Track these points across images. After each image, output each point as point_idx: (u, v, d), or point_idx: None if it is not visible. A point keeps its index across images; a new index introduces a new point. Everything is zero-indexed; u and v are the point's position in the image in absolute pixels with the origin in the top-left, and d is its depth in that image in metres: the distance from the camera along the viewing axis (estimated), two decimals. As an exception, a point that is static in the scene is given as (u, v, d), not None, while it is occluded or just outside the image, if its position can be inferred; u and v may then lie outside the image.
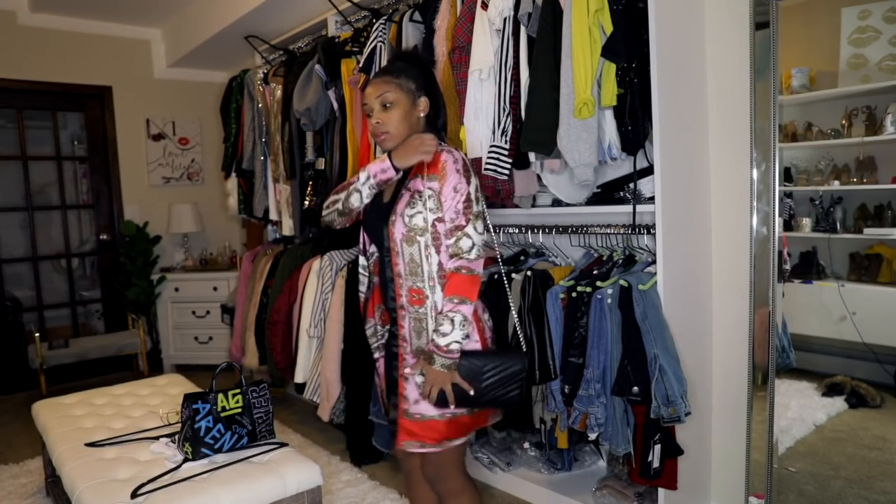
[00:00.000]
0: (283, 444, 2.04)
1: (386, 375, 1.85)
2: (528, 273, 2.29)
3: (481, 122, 2.34)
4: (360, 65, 2.86)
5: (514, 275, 2.36)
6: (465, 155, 2.39)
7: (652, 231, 2.07)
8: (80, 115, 4.78)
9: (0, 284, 4.42)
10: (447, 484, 1.75)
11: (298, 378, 3.15)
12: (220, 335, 4.64)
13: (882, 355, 2.17)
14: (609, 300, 2.04)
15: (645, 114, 2.04)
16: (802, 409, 2.30)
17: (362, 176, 1.72)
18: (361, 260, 1.86)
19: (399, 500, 2.56)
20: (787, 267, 2.23)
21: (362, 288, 1.88)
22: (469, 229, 1.62)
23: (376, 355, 1.89)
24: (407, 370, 1.68)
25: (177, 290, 4.74)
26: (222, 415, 1.95)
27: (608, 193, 2.34)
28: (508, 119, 2.25)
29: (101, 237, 4.86)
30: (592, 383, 2.06)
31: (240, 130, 3.92)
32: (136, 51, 4.89)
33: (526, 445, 2.65)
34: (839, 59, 2.19)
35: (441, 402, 1.63)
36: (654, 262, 2.11)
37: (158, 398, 2.62)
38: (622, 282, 2.04)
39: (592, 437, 2.11)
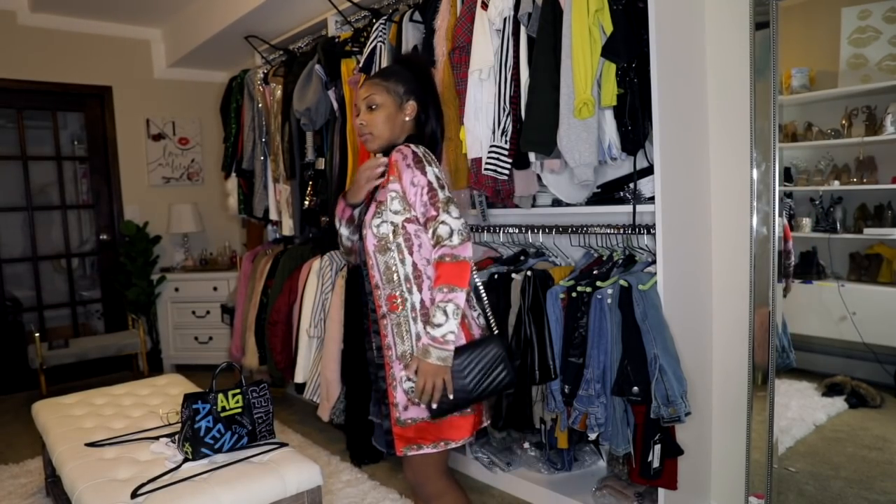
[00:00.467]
0: (283, 444, 2.04)
1: (374, 387, 1.81)
2: (528, 273, 2.29)
3: (481, 122, 2.34)
4: (360, 65, 2.86)
5: (514, 275, 2.36)
6: (461, 153, 2.39)
7: (652, 231, 2.08)
8: (80, 115, 4.78)
9: (0, 284, 4.42)
10: (427, 488, 1.72)
11: (298, 378, 3.16)
12: (220, 335, 4.64)
13: (882, 355, 2.17)
14: (609, 300, 2.04)
15: (645, 114, 2.04)
16: (802, 409, 2.30)
17: (335, 219, 1.85)
18: None
19: (399, 500, 2.56)
20: (792, 261, 2.23)
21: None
22: (443, 217, 1.60)
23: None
24: (402, 373, 1.67)
25: (177, 290, 4.74)
26: (222, 415, 1.95)
27: (608, 193, 2.34)
28: (508, 119, 2.25)
29: (101, 237, 4.86)
30: (592, 383, 2.06)
31: (240, 130, 3.92)
32: (136, 51, 4.89)
33: (526, 445, 2.65)
34: (839, 59, 2.19)
35: (439, 412, 1.60)
36: (654, 262, 2.11)
37: (158, 398, 2.62)
38: (622, 282, 2.04)
39: (592, 437, 2.11)
